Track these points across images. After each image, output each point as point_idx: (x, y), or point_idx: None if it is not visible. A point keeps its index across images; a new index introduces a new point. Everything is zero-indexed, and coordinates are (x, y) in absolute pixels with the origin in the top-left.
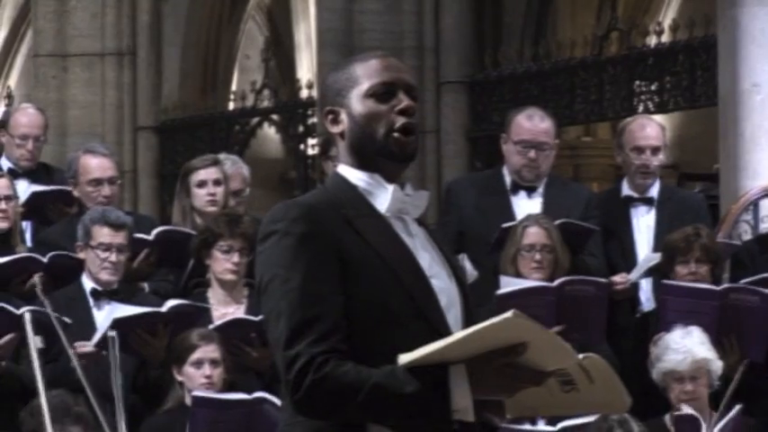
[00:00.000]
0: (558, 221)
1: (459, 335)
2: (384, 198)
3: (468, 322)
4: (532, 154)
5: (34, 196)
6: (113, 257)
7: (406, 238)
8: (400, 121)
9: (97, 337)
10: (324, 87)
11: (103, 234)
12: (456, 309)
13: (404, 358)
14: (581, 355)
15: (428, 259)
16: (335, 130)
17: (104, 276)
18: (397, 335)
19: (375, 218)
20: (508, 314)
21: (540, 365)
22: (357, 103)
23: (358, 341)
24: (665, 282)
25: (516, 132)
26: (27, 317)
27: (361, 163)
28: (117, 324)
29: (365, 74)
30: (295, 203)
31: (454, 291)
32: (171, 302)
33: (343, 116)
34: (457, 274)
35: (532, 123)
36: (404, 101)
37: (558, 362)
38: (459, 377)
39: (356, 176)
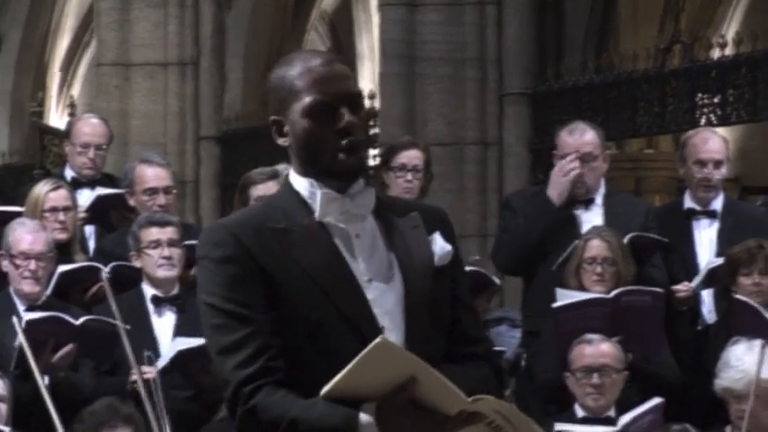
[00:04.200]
0: (630, 234)
1: (346, 368)
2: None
3: (413, 316)
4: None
5: (98, 200)
6: (166, 251)
7: (342, 243)
8: (343, 141)
9: (162, 362)
10: (268, 91)
11: (151, 233)
12: (400, 306)
13: (323, 390)
14: (470, 398)
15: (374, 260)
16: (280, 141)
17: (162, 273)
18: (332, 350)
19: (312, 229)
20: (377, 340)
21: (441, 407)
22: (297, 120)
23: (295, 359)
24: (738, 297)
25: (561, 147)
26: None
27: (304, 171)
28: (180, 355)
29: (304, 87)
30: (217, 226)
31: (399, 289)
32: None
33: (287, 128)
34: (406, 268)
35: (574, 137)
36: (344, 118)
37: (453, 402)
38: (368, 416)
39: (300, 184)
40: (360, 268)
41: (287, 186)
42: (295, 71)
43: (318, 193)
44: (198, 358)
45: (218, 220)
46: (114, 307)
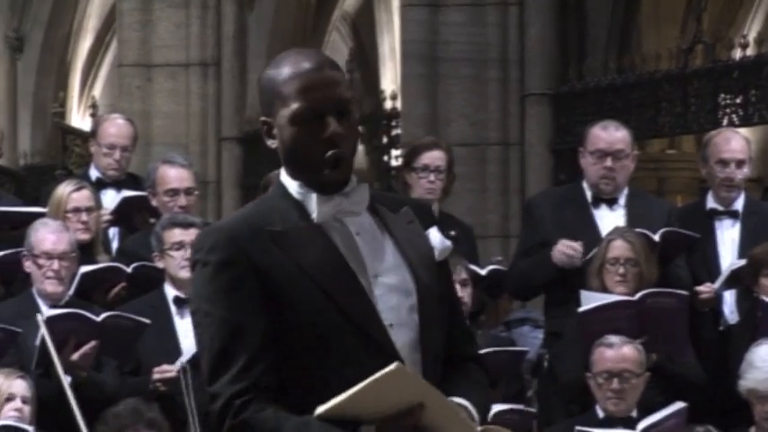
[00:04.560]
0: (662, 230)
1: (353, 389)
2: (313, 207)
3: (423, 305)
4: (609, 162)
5: (124, 202)
6: (189, 253)
7: (342, 244)
8: (328, 152)
9: (179, 363)
10: (258, 91)
11: (174, 235)
12: (410, 299)
13: (318, 409)
14: (479, 428)
15: (378, 256)
16: (269, 143)
17: (185, 274)
18: (334, 353)
19: (308, 230)
20: (392, 366)
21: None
22: (283, 125)
23: (297, 362)
24: (762, 298)
25: (592, 143)
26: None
27: (296, 175)
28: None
29: (291, 92)
30: (214, 229)
31: (407, 283)
32: None
33: (275, 131)
34: (411, 260)
35: (608, 132)
36: (330, 127)
37: (461, 429)
38: None
39: (291, 185)
40: (365, 265)
41: (279, 188)
42: (283, 74)
43: (313, 195)
44: None
45: (212, 224)
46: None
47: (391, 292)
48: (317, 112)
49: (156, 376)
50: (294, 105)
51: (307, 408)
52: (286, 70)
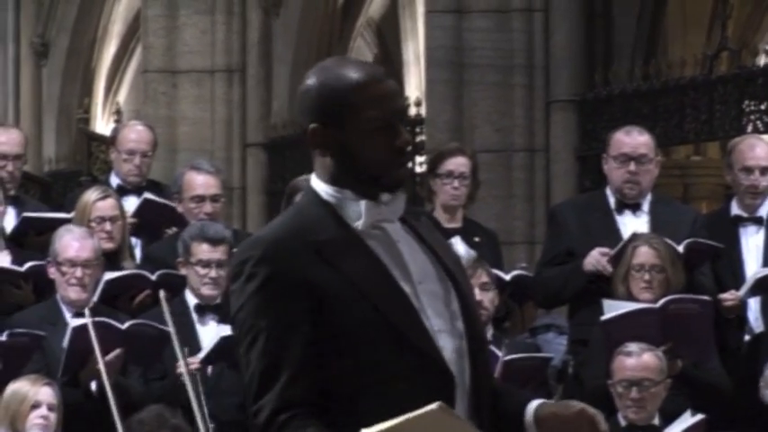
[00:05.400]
0: (686, 240)
1: (392, 421)
2: (356, 213)
3: (467, 312)
4: (632, 167)
5: (146, 203)
6: (213, 273)
7: (387, 250)
8: (397, 158)
9: (204, 353)
10: (308, 97)
11: (202, 250)
12: (452, 306)
13: None
14: None
15: (417, 263)
16: (319, 150)
17: (206, 291)
18: (382, 363)
19: (348, 239)
20: (433, 406)
21: None
22: (351, 132)
23: (341, 376)
24: None
25: (616, 147)
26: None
27: (335, 180)
28: (223, 341)
29: (365, 100)
30: (259, 240)
31: (447, 288)
32: None
33: (334, 139)
34: (448, 267)
35: (631, 137)
36: (401, 135)
37: None
38: None
39: (326, 191)
40: (410, 272)
41: (311, 194)
42: (349, 82)
43: (362, 202)
44: None
45: (253, 235)
46: (168, 315)
47: (436, 299)
48: (389, 121)
49: (180, 369)
50: (369, 113)
51: (350, 424)
52: (354, 77)
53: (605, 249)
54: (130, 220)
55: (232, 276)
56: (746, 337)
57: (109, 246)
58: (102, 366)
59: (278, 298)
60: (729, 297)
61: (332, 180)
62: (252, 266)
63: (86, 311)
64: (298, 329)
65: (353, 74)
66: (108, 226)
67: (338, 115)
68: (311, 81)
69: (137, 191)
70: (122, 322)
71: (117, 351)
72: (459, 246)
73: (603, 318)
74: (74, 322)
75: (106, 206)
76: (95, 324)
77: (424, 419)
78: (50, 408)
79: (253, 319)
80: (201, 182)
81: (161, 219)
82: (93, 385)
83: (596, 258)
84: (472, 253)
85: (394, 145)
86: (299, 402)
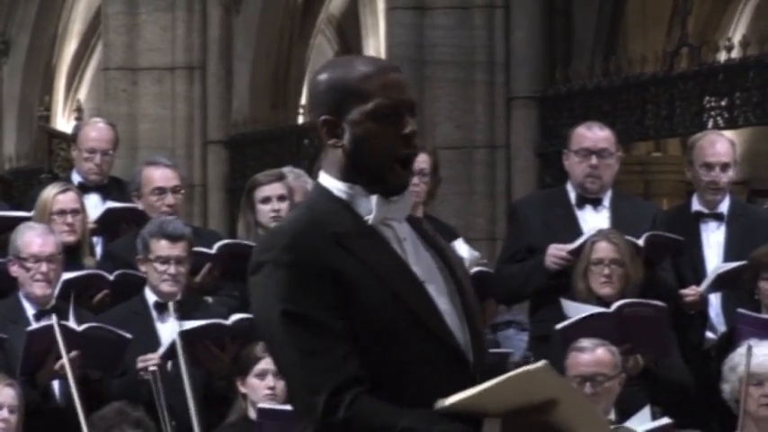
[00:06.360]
0: (646, 234)
1: (491, 381)
2: (367, 208)
3: (467, 313)
4: (594, 161)
5: (108, 212)
6: (172, 269)
7: (396, 246)
8: (404, 150)
9: (163, 349)
10: (318, 91)
11: (161, 247)
12: (455, 306)
13: (440, 403)
14: (612, 426)
15: (422, 262)
16: (331, 141)
17: (165, 288)
18: (403, 351)
19: (363, 231)
20: (540, 363)
21: (574, 430)
22: (360, 121)
23: (365, 361)
24: (741, 311)
25: (577, 142)
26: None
27: (346, 176)
28: (184, 335)
29: (373, 88)
30: (282, 231)
31: (450, 288)
32: (236, 316)
33: (343, 130)
34: (451, 267)
35: (592, 132)
36: (409, 125)
37: (591, 428)
38: (492, 430)
39: (337, 187)
40: (418, 269)
41: (322, 191)
42: (358, 73)
43: (373, 197)
44: (201, 340)
45: (274, 226)
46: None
47: (440, 297)
48: (396, 109)
49: (140, 365)
50: (377, 101)
51: None
52: (363, 68)
53: (561, 246)
54: (91, 226)
55: (253, 268)
56: (710, 335)
57: (70, 239)
58: (67, 365)
59: (311, 282)
60: (690, 293)
61: (342, 175)
62: (277, 255)
63: (54, 317)
64: (336, 311)
65: (362, 65)
66: (69, 218)
67: (347, 104)
68: (321, 76)
69: (98, 189)
70: (84, 320)
71: (73, 353)
72: (462, 247)
73: (559, 326)
74: (33, 326)
75: (67, 199)
76: (50, 327)
77: (527, 377)
78: (11, 410)
79: (285, 305)
80: (161, 175)
81: (123, 221)
82: (57, 385)
83: (555, 254)
84: (476, 254)
85: (401, 134)
86: (355, 380)
